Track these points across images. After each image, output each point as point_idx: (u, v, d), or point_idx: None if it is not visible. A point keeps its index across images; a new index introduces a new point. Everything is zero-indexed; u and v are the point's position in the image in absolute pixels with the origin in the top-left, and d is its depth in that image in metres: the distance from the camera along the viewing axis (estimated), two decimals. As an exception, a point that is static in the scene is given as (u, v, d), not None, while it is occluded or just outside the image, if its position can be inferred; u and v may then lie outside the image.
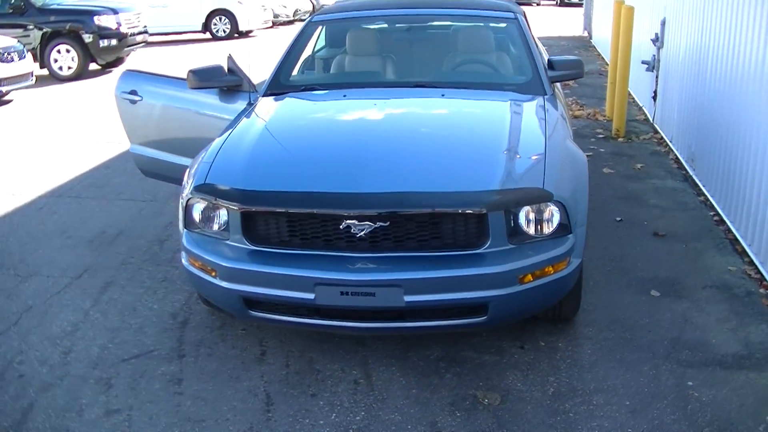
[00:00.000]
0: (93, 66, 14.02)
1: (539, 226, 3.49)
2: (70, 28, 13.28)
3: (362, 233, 3.37)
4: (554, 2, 40.90)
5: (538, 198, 3.44)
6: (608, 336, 3.91)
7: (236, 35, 19.69)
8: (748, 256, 4.74)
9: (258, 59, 13.40)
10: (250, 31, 20.13)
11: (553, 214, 3.49)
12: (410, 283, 3.31)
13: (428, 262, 3.36)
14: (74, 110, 10.62)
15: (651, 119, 8.69)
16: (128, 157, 7.62)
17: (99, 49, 13.48)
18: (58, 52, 13.37)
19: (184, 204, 3.72)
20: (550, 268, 3.48)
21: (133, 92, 5.39)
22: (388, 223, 3.35)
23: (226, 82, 4.92)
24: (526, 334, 3.94)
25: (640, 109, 9.45)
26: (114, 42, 13.62)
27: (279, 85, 4.82)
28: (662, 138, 7.94)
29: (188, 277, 3.82)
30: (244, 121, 4.29)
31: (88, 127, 9.44)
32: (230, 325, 4.11)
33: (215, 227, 3.65)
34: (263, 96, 4.74)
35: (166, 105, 5.30)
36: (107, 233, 5.58)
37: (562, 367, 3.64)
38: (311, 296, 3.37)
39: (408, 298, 3.32)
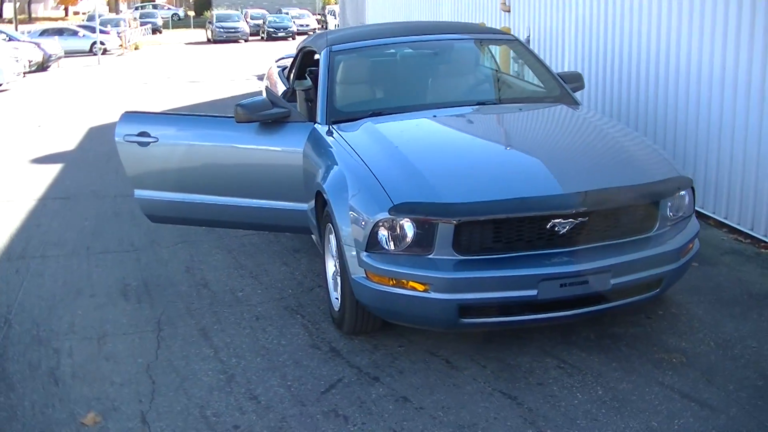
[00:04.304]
0: None
1: (675, 210, 4.13)
2: None
3: (565, 230, 3.75)
4: (259, 38, 42.20)
5: (687, 184, 4.09)
6: (700, 299, 4.65)
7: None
8: (726, 227, 5.81)
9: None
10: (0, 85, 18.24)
11: (687, 198, 4.15)
12: (618, 267, 3.76)
13: (625, 248, 3.84)
14: None
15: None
16: (52, 213, 6.98)
17: None
18: None
19: (370, 228, 3.77)
20: (691, 245, 4.14)
21: (144, 134, 5.09)
22: (587, 218, 3.77)
23: (275, 115, 4.87)
24: (634, 308, 4.49)
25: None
26: None
27: (338, 113, 4.89)
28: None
29: (376, 297, 3.84)
30: (357, 145, 4.34)
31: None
32: (384, 346, 4.16)
33: (402, 246, 3.77)
34: (328, 124, 4.78)
35: (192, 143, 5.10)
36: (131, 286, 5.16)
37: (697, 327, 4.29)
38: (534, 293, 3.67)
39: (613, 281, 3.77)
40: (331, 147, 4.47)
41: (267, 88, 5.09)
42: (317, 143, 4.65)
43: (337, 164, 4.26)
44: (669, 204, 4.04)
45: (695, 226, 4.18)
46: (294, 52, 6.85)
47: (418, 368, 3.93)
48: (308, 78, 6.14)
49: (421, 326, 4.03)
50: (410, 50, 5.57)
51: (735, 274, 5.01)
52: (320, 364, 4.01)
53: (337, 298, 4.28)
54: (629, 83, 6.87)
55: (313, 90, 5.81)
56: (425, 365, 3.96)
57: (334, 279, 4.33)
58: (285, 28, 42.46)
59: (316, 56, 5.84)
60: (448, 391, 3.71)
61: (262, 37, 42.59)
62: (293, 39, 40.90)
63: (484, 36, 5.77)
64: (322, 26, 48.24)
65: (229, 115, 5.01)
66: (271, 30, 42.21)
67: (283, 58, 8.21)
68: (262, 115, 4.82)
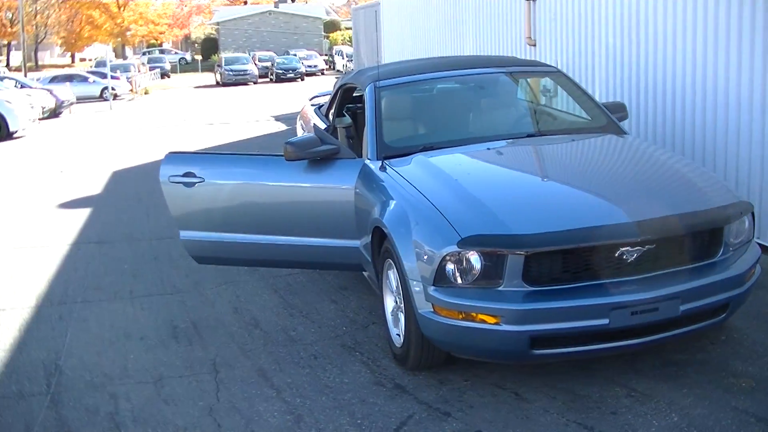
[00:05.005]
0: None
1: (737, 235, 4.09)
2: None
3: (633, 258, 3.71)
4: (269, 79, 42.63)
5: (748, 209, 4.07)
6: (759, 324, 4.61)
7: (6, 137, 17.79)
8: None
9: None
10: (15, 132, 18.29)
11: (747, 223, 4.12)
12: (687, 293, 3.73)
13: (692, 274, 3.81)
14: None
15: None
16: (88, 258, 6.95)
17: None
18: None
19: (437, 262, 3.74)
20: (754, 269, 4.10)
21: (189, 174, 5.09)
22: (654, 245, 3.74)
23: (325, 152, 4.86)
24: (697, 334, 4.43)
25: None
26: None
27: (388, 148, 4.86)
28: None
29: (445, 332, 3.80)
30: (415, 180, 4.32)
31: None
32: (449, 380, 4.11)
33: (470, 278, 3.73)
34: (380, 160, 4.75)
35: (240, 182, 5.09)
36: (180, 328, 5.13)
37: (761, 351, 4.26)
38: (605, 321, 3.62)
39: (683, 307, 3.73)
40: (386, 182, 4.46)
41: (315, 126, 5.08)
42: (370, 179, 4.64)
43: (394, 199, 4.25)
44: (731, 229, 4.01)
45: (757, 251, 4.16)
46: (329, 89, 6.89)
47: (487, 402, 3.88)
48: (346, 115, 6.16)
49: (490, 359, 3.98)
50: (455, 84, 5.59)
51: (789, 298, 4.97)
52: (387, 401, 3.95)
53: (398, 334, 4.23)
54: (664, 113, 6.86)
55: (354, 127, 5.82)
56: (494, 399, 3.91)
57: (394, 315, 4.29)
58: (294, 69, 42.76)
59: (356, 93, 5.86)
60: (521, 423, 3.65)
61: (271, 79, 42.94)
62: (302, 80, 41.29)
63: (528, 68, 5.80)
64: (330, 66, 48.75)
65: (276, 154, 5.02)
66: (280, 72, 42.48)
67: (316, 96, 8.26)
68: (311, 152, 4.81)
